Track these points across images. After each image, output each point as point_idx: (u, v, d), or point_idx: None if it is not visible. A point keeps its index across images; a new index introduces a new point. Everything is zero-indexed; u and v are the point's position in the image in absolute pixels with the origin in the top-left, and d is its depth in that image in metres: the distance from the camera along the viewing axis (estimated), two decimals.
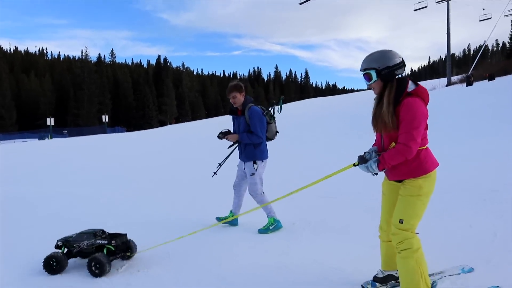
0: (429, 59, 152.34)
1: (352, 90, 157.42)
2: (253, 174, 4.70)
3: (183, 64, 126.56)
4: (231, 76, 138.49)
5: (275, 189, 5.20)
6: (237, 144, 4.85)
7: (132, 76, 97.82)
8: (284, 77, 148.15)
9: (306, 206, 5.67)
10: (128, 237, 3.89)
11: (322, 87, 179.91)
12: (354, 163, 2.76)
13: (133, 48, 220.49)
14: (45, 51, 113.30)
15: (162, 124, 75.51)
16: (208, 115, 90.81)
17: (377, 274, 2.99)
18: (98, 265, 3.43)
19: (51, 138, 49.63)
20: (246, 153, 4.74)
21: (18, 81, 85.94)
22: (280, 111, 4.94)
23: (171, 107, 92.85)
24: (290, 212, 5.26)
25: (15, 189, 8.95)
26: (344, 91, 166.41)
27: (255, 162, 4.70)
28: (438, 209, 4.61)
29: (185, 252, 4.06)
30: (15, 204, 7.17)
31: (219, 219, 5.07)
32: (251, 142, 4.66)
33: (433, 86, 29.21)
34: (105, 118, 66.43)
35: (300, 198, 5.03)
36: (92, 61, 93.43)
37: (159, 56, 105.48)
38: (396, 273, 2.89)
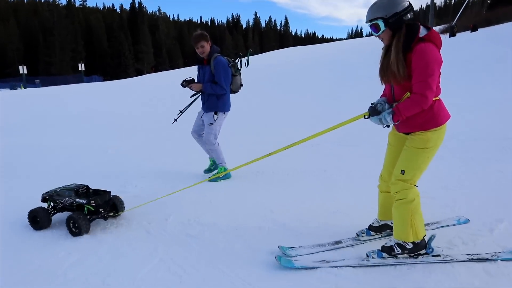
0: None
1: (332, 39, 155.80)
2: (211, 124, 4.75)
3: (159, 9, 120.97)
4: (209, 22, 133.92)
5: (266, 143, 5.43)
6: (200, 94, 4.85)
7: (105, 22, 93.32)
8: (263, 24, 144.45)
9: (323, 154, 5.90)
10: (114, 194, 3.75)
11: (301, 36, 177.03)
12: (364, 115, 2.61)
13: None
14: None
15: (139, 73, 73.33)
16: (186, 64, 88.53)
17: (372, 223, 3.04)
18: (76, 225, 3.33)
19: (24, 88, 47.65)
20: (208, 103, 4.75)
21: None
22: (248, 65, 4.91)
23: (148, 55, 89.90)
24: (301, 159, 5.47)
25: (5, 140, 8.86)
26: (324, 40, 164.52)
27: (216, 113, 4.74)
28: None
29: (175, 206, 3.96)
30: (11, 155, 7.16)
31: (205, 171, 5.22)
32: (214, 92, 4.66)
33: None
34: (81, 66, 63.70)
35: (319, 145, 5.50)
36: (62, 4, 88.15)
37: (133, 0, 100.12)
38: (391, 223, 2.90)
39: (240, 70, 4.85)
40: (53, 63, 76.60)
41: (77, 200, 3.54)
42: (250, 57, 4.94)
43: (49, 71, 74.76)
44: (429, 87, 2.36)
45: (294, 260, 2.65)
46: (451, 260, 2.56)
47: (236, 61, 4.81)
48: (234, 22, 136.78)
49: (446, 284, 2.33)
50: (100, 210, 3.52)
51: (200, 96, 4.87)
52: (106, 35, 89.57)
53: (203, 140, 4.91)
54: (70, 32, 79.24)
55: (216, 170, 5.04)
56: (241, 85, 4.95)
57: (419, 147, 2.53)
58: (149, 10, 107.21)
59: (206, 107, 4.78)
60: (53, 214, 3.64)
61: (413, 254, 2.61)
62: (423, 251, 2.61)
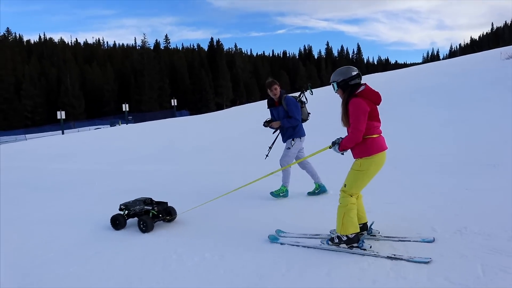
0: (492, 25, 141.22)
1: (406, 65, 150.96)
2: (289, 148, 5.70)
3: (235, 46, 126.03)
4: (281, 55, 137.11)
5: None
6: (279, 129, 5.82)
7: (187, 61, 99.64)
8: (335, 53, 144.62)
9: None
10: (169, 205, 5.06)
11: (374, 63, 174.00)
12: (329, 146, 3.82)
13: (179, 33, 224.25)
14: (101, 41, 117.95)
15: (219, 106, 76.70)
16: (262, 97, 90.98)
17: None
18: (144, 224, 4.63)
19: (122, 124, 51.87)
20: (287, 134, 5.74)
21: (83, 71, 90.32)
22: (312, 93, 5.87)
23: (227, 89, 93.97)
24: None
25: (95, 167, 11.06)
26: (398, 65, 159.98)
27: (293, 139, 5.67)
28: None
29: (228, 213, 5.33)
30: (92, 177, 9.43)
31: (309, 193, 5.83)
32: (291, 125, 5.64)
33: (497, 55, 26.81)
34: (173, 102, 67.57)
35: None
36: (150, 47, 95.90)
37: (212, 38, 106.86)
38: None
39: (305, 102, 5.85)
40: (142, 100, 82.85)
41: (145, 207, 4.90)
42: (311, 89, 5.90)
43: (139, 108, 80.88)
44: (357, 129, 3.44)
45: (279, 239, 4.03)
46: (374, 254, 3.43)
47: (300, 96, 5.80)
48: (306, 53, 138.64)
49: (357, 266, 3.28)
50: (160, 215, 4.85)
51: (280, 131, 5.87)
52: (188, 72, 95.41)
53: (308, 168, 5.79)
54: (158, 72, 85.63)
55: (279, 188, 5.83)
56: (309, 113, 5.91)
57: (355, 169, 3.60)
58: (225, 47, 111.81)
59: (286, 137, 5.77)
60: (128, 218, 4.92)
61: (348, 245, 3.56)
62: (355, 244, 3.54)
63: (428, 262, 3.17)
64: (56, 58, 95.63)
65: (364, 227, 3.84)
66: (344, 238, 3.55)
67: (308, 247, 3.78)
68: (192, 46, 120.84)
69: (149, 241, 4.42)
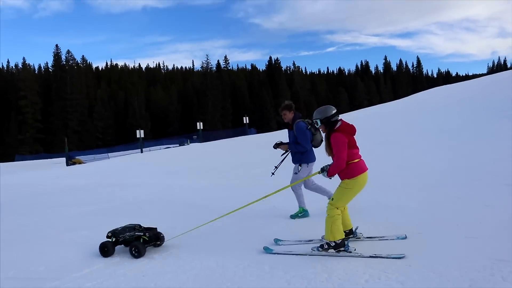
0: None
1: (468, 76, 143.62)
2: (296, 173, 5.94)
3: (293, 63, 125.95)
4: (335, 72, 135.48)
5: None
6: (288, 152, 6.08)
7: (246, 80, 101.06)
8: (394, 68, 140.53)
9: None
10: (159, 230, 5.11)
11: (433, 76, 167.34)
12: (318, 172, 4.52)
13: (230, 55, 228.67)
14: (161, 65, 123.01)
15: (280, 125, 76.21)
16: None
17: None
18: (137, 250, 4.70)
19: (196, 142, 52.73)
20: (295, 158, 5.99)
21: (147, 94, 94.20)
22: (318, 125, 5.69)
23: None
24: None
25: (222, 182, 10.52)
26: (459, 78, 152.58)
27: (300, 165, 5.90)
28: None
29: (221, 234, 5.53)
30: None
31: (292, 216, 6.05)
32: (297, 151, 5.86)
33: None
34: (245, 120, 65.84)
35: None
36: (213, 69, 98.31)
37: (270, 57, 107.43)
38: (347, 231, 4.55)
39: (318, 129, 5.53)
40: (206, 120, 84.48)
41: (136, 233, 4.92)
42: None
43: (203, 127, 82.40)
44: (339, 158, 4.18)
45: (273, 249, 4.49)
46: (359, 255, 4.05)
47: (313, 123, 5.68)
48: (363, 69, 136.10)
49: (340, 265, 3.89)
50: (150, 241, 4.88)
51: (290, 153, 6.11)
52: (248, 92, 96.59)
53: (315, 187, 5.99)
54: (220, 92, 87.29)
55: (297, 211, 6.02)
56: (322, 140, 5.80)
57: (343, 186, 4.29)
58: (283, 65, 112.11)
59: (294, 161, 6.00)
60: (118, 245, 4.94)
61: (336, 250, 4.16)
62: (342, 249, 4.14)
63: (402, 257, 3.85)
64: (123, 82, 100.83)
65: (350, 232, 4.55)
66: (332, 244, 4.15)
67: (301, 255, 4.24)
68: (245, 67, 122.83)
69: (144, 265, 4.50)
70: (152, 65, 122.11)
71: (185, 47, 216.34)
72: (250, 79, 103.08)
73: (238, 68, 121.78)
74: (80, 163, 40.48)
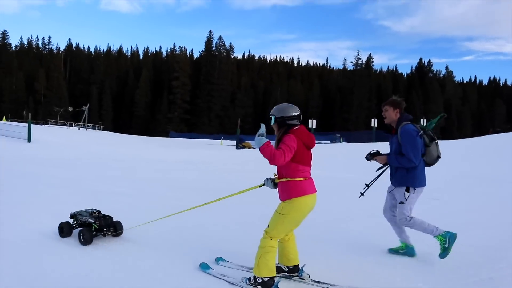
0: None
1: None
2: (402, 202, 4.22)
3: (446, 68, 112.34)
4: (484, 82, 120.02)
5: None
6: (386, 167, 4.46)
7: (393, 82, 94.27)
8: None
9: None
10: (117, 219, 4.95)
11: None
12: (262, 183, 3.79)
13: (352, 58, 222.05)
14: (294, 60, 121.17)
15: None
16: (474, 133, 79.08)
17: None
18: (83, 236, 4.54)
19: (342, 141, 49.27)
20: (397, 177, 4.29)
21: (288, 86, 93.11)
22: (432, 126, 4.46)
23: (435, 116, 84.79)
24: None
25: None
26: None
27: (407, 190, 4.18)
28: None
29: None
30: None
31: (391, 250, 4.57)
32: (400, 165, 4.18)
33: None
34: (374, 123, 61.06)
35: None
36: (362, 67, 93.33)
37: (420, 59, 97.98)
38: (283, 267, 3.78)
39: (436, 139, 4.28)
40: (349, 119, 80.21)
41: (88, 219, 4.76)
42: (439, 120, 4.68)
43: (345, 127, 78.38)
44: (281, 152, 3.21)
45: (210, 269, 3.85)
46: None
47: (426, 129, 4.24)
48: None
49: None
50: (105, 229, 4.71)
51: (389, 169, 4.43)
52: (393, 94, 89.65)
53: (395, 221, 4.42)
54: (368, 91, 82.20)
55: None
56: (438, 156, 4.31)
57: (277, 211, 3.46)
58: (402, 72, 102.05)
59: (395, 181, 4.33)
60: (74, 228, 4.88)
61: None
62: None
63: None
64: (264, 73, 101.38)
65: (294, 269, 3.74)
66: (259, 280, 3.43)
67: (230, 283, 3.59)
68: (389, 69, 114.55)
69: (84, 254, 4.28)
70: (286, 59, 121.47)
71: (309, 46, 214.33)
72: (395, 81, 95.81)
73: (378, 70, 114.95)
74: (249, 147, 39.27)
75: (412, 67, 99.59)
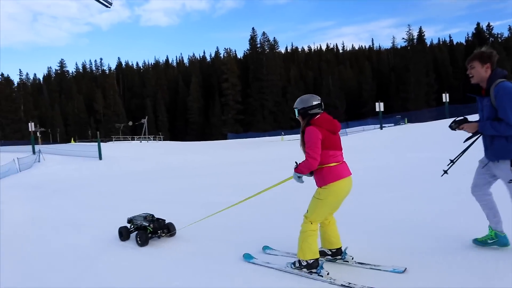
0: None
1: None
2: (511, 181, 3.37)
3: (509, 29, 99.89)
4: None
5: None
6: (477, 136, 3.64)
7: (449, 54, 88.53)
8: None
9: None
10: (170, 221, 5.41)
11: None
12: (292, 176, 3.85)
13: (398, 35, 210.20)
14: (339, 46, 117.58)
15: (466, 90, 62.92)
16: None
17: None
18: (140, 238, 5.03)
19: (407, 122, 46.49)
20: (494, 149, 3.45)
21: (338, 73, 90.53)
22: None
23: None
24: None
25: None
26: None
27: None
28: None
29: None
30: None
31: (476, 241, 3.86)
32: (498, 133, 3.36)
33: None
34: (445, 97, 53.54)
35: None
36: (415, 42, 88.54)
37: (478, 24, 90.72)
38: (326, 250, 3.91)
39: None
40: (408, 98, 76.33)
41: (143, 223, 5.22)
42: None
43: (405, 106, 74.56)
44: (309, 156, 3.43)
45: (253, 258, 4.08)
46: (330, 281, 3.38)
47: None
48: None
49: None
50: (159, 231, 5.14)
51: (481, 139, 3.63)
52: (451, 66, 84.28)
53: (487, 203, 3.71)
54: (424, 67, 77.80)
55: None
56: None
57: (315, 197, 3.58)
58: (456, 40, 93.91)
59: (491, 154, 3.50)
60: (132, 231, 5.41)
61: (308, 271, 3.56)
62: (314, 270, 3.53)
63: None
64: (311, 63, 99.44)
65: (337, 252, 3.85)
66: (304, 263, 3.58)
67: (275, 269, 3.77)
68: (441, 40, 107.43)
69: (138, 255, 4.73)
70: (331, 46, 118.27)
71: (349, 30, 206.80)
72: (451, 52, 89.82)
73: (438, 41, 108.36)
74: None
75: (467, 34, 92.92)
